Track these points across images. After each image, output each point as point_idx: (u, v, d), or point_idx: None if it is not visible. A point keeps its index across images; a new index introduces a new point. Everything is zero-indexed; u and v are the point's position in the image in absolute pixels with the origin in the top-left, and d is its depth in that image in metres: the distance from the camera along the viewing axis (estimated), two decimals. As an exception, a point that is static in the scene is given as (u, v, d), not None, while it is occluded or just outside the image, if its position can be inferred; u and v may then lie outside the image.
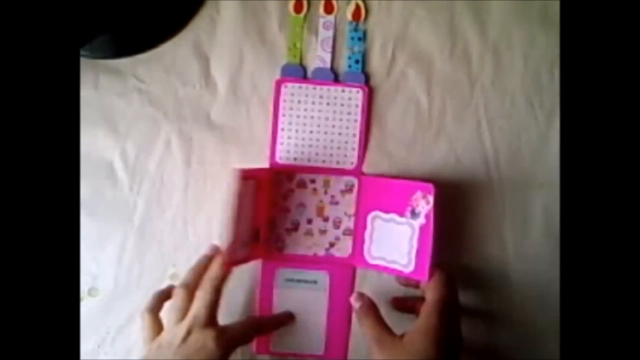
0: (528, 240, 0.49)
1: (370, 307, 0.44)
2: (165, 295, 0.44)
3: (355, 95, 0.48)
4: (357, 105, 0.48)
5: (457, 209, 0.48)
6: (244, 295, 0.49)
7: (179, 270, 0.48)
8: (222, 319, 0.43)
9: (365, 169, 0.48)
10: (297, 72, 0.48)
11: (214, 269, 0.43)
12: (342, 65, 0.48)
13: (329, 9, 0.48)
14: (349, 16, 0.48)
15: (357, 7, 0.48)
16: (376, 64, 0.48)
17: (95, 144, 0.48)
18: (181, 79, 0.48)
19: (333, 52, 0.48)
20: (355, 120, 0.48)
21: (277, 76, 0.48)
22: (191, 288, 0.43)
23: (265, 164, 0.48)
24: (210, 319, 0.42)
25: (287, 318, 0.48)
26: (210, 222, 0.48)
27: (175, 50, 0.48)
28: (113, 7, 0.44)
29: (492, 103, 0.48)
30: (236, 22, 0.48)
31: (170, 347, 0.40)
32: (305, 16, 0.48)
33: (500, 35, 0.48)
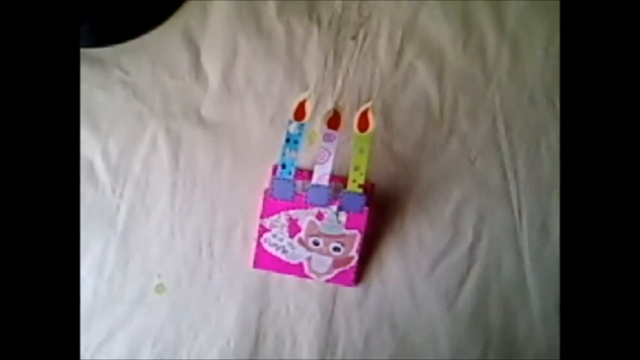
0: (547, 250, 0.47)
1: None
2: None
3: None
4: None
5: (469, 215, 0.47)
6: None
7: (165, 281, 0.47)
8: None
9: (371, 172, 0.46)
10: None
11: None
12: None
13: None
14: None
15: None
16: (383, 55, 0.47)
17: (74, 142, 0.47)
18: (169, 71, 0.48)
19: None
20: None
21: (274, 69, 0.47)
22: None
23: (262, 164, 0.47)
24: None
25: None
26: (199, 229, 0.47)
27: (163, 39, 0.48)
28: (93, -10, 0.44)
29: (509, 99, 0.48)
30: (230, 8, 0.47)
31: None
32: None
33: (519, 26, 0.48)
